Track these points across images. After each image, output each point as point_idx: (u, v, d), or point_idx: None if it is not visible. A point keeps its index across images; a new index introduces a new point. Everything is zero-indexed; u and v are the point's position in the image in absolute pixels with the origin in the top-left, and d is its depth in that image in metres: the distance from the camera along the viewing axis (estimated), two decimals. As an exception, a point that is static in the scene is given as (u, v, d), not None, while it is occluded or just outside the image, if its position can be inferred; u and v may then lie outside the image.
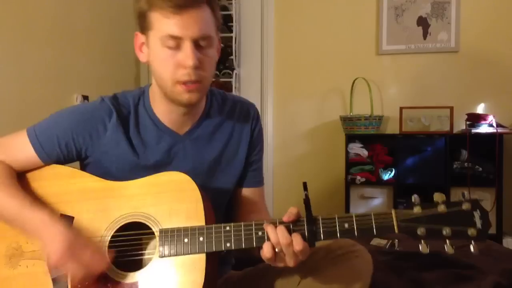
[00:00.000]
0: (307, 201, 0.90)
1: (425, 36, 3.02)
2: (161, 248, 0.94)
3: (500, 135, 2.64)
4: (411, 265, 1.56)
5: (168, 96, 1.01)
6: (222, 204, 1.15)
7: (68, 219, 0.99)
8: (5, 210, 0.97)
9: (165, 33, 0.94)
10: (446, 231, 0.84)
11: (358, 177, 2.89)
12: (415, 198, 0.87)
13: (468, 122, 2.77)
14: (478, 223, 0.84)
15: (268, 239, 0.88)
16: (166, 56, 0.96)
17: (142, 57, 1.03)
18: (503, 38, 2.93)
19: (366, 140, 2.97)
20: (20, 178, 1.04)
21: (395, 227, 0.86)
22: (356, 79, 3.03)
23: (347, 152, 2.93)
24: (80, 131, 1.04)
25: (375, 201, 2.97)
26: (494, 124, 2.67)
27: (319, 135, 3.23)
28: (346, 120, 2.99)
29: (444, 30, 2.99)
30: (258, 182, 1.21)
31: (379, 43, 3.09)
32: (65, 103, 2.33)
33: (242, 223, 0.92)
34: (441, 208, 0.85)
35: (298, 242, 0.86)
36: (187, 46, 0.94)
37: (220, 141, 1.13)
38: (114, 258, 0.96)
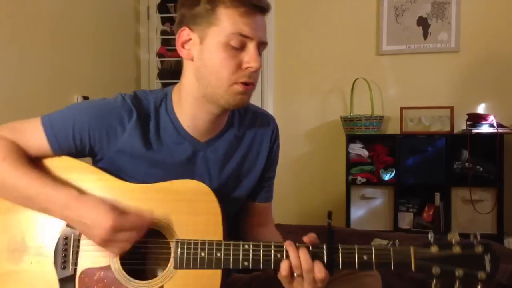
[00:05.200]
0: (330, 229, 0.90)
1: (425, 36, 3.02)
2: (176, 259, 0.92)
3: (501, 135, 2.64)
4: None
5: (216, 98, 0.98)
6: (230, 214, 1.12)
7: None
8: (21, 189, 0.92)
9: (236, 31, 0.92)
10: (458, 272, 0.86)
11: (359, 178, 2.89)
12: (431, 236, 0.89)
13: (468, 122, 2.76)
14: (488, 267, 0.87)
15: (287, 259, 0.88)
16: (228, 55, 0.93)
17: (185, 54, 0.99)
18: (504, 38, 2.93)
19: (367, 140, 2.97)
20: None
21: (413, 265, 0.88)
22: (356, 79, 3.03)
23: (347, 153, 2.93)
24: (98, 127, 0.99)
25: (376, 202, 2.97)
26: (495, 124, 2.67)
27: (320, 135, 3.23)
28: (347, 121, 2.99)
29: (444, 30, 2.99)
30: (269, 197, 1.19)
31: (379, 43, 3.09)
32: (65, 104, 2.32)
33: (262, 243, 0.91)
34: (456, 249, 0.88)
35: (320, 270, 0.86)
36: (253, 48, 0.94)
37: (239, 153, 1.10)
38: (125, 265, 0.94)
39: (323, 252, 0.89)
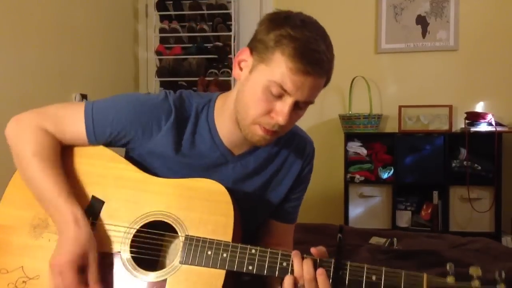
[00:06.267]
0: (340, 244, 0.90)
1: (424, 35, 3.02)
2: (183, 254, 0.93)
3: (499, 133, 2.65)
4: (410, 264, 1.56)
5: (239, 125, 0.98)
6: (250, 229, 1.11)
7: (98, 205, 0.99)
8: (40, 190, 0.97)
9: (278, 81, 0.89)
10: None
11: (357, 176, 2.89)
12: (450, 266, 0.84)
13: (467, 121, 2.77)
14: None
15: (292, 272, 0.87)
16: (263, 98, 0.92)
17: (237, 74, 0.98)
18: (502, 36, 2.93)
19: (365, 138, 2.97)
20: (62, 150, 1.03)
21: None
22: (355, 77, 3.03)
23: (346, 151, 2.93)
24: (135, 123, 1.01)
25: (374, 200, 2.97)
26: (493, 123, 2.67)
27: (318, 133, 3.22)
28: (345, 119, 2.99)
29: (443, 29, 2.99)
30: (292, 219, 1.18)
31: (378, 41, 3.09)
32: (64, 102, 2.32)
33: (269, 250, 0.91)
34: (476, 284, 0.82)
35: (322, 282, 0.85)
36: (288, 104, 0.91)
37: (268, 171, 1.10)
38: (134, 253, 0.96)
39: (330, 267, 0.87)
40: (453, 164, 2.77)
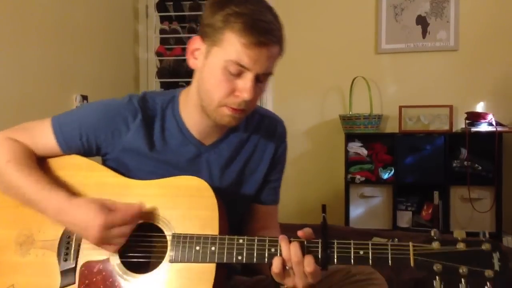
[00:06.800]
0: (324, 223, 0.89)
1: (424, 35, 3.02)
2: (171, 253, 0.93)
3: (500, 133, 2.65)
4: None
5: (206, 112, 0.99)
6: (235, 219, 1.12)
7: None
8: (24, 191, 0.97)
9: (234, 59, 0.90)
10: (462, 270, 0.82)
11: (358, 176, 2.89)
12: (435, 232, 0.86)
13: (467, 121, 2.77)
14: (497, 265, 0.81)
15: (280, 254, 0.88)
16: (223, 79, 0.93)
17: (193, 63, 1.00)
18: (502, 36, 2.93)
19: (366, 139, 2.97)
20: (39, 165, 1.03)
21: (411, 261, 0.84)
22: (355, 78, 3.03)
23: (346, 151, 2.94)
24: (103, 127, 1.03)
25: (374, 200, 2.97)
26: (494, 123, 2.67)
27: (319, 134, 3.23)
28: (346, 119, 2.99)
29: (443, 29, 2.99)
30: (274, 200, 1.18)
31: (378, 42, 3.09)
32: (65, 103, 2.33)
33: (256, 238, 0.91)
34: (460, 246, 0.83)
35: (309, 263, 0.85)
36: (249, 79, 0.92)
37: (243, 156, 1.10)
38: (124, 258, 0.96)
39: (318, 247, 0.88)
40: (454, 164, 2.77)
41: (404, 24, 3.04)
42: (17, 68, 2.04)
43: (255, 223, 1.16)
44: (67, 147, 1.03)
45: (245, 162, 1.11)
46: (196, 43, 0.98)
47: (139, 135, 1.03)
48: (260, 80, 0.95)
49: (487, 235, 0.84)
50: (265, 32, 0.90)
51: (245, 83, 0.92)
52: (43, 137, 1.03)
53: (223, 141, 1.08)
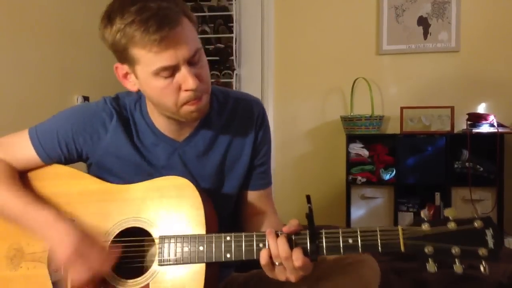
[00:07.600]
0: (310, 215, 0.87)
1: (425, 36, 3.02)
2: (160, 256, 0.93)
3: (501, 134, 2.64)
4: (412, 265, 1.56)
5: (172, 116, 0.98)
6: (226, 209, 1.12)
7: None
8: (8, 209, 0.97)
9: (158, 67, 0.88)
10: (455, 250, 0.79)
11: (359, 177, 2.89)
12: (424, 213, 0.83)
13: (469, 122, 2.76)
14: (490, 243, 0.79)
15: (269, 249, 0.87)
16: (164, 85, 0.91)
17: (131, 86, 0.98)
18: (504, 37, 2.92)
19: (367, 140, 2.97)
20: (21, 177, 1.04)
21: (401, 245, 0.82)
22: (356, 79, 3.03)
23: (347, 152, 2.93)
24: (81, 131, 1.03)
25: (376, 201, 2.97)
26: (495, 124, 2.67)
27: (320, 135, 3.23)
28: (347, 120, 2.99)
29: (445, 30, 2.99)
30: (265, 184, 1.15)
31: (380, 43, 3.09)
32: (66, 104, 2.33)
33: (243, 234, 0.90)
34: (451, 225, 0.80)
35: (298, 258, 0.84)
36: (184, 70, 0.90)
37: (221, 146, 1.08)
38: (114, 264, 0.95)
39: (306, 239, 0.86)
40: (455, 165, 2.77)
41: (405, 25, 3.04)
42: (18, 69, 2.04)
43: (247, 210, 1.14)
44: (48, 157, 1.03)
45: (225, 151, 1.08)
46: (120, 70, 0.98)
47: (117, 136, 1.03)
48: (194, 61, 0.92)
49: (479, 212, 0.82)
50: (160, 24, 0.85)
51: (183, 76, 0.90)
52: (22, 150, 1.03)
53: (197, 134, 1.06)
